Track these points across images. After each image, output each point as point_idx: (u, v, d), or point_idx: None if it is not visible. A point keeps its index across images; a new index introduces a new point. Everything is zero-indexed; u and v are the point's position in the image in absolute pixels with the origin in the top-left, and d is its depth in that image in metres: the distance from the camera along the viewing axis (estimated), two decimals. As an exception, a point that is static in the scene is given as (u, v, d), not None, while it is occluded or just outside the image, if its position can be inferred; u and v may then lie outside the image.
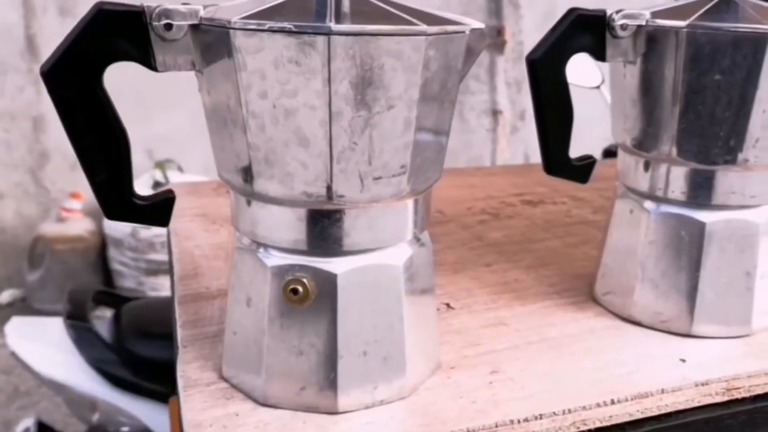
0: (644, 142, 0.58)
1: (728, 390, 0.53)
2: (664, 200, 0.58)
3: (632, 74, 0.57)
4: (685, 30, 0.52)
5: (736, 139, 0.54)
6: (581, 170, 0.59)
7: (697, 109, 0.54)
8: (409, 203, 0.47)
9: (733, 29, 0.51)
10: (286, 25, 0.39)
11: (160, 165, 2.54)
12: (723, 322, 0.58)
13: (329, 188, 0.43)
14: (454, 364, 0.53)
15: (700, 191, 0.57)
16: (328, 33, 0.39)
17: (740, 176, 0.56)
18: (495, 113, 3.18)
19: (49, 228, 2.51)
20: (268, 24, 0.39)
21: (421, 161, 0.46)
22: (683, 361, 0.55)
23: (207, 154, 0.51)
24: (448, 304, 0.63)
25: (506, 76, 3.14)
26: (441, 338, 0.56)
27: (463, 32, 0.45)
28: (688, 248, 0.57)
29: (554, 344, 0.57)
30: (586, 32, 0.55)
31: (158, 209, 0.46)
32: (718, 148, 0.55)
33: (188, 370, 0.51)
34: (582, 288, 0.67)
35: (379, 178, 0.44)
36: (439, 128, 0.46)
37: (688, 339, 0.58)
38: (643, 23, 0.54)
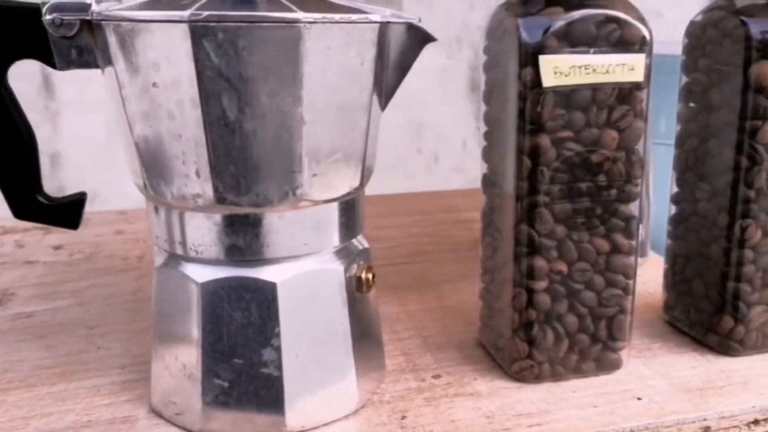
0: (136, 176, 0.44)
1: None
2: (171, 251, 0.44)
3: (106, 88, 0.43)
4: (111, 24, 0.38)
5: (202, 172, 0.39)
6: (64, 212, 0.45)
7: (146, 132, 0.40)
8: None
9: (153, 19, 0.37)
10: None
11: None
12: (242, 416, 0.43)
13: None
14: None
15: (191, 240, 0.42)
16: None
17: (234, 222, 0.41)
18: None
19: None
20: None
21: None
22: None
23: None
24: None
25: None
26: None
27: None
28: (187, 315, 0.43)
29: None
30: (21, 32, 0.41)
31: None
32: (180, 185, 0.40)
33: None
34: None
35: None
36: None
37: (199, 440, 0.43)
38: (88, 17, 0.40)
